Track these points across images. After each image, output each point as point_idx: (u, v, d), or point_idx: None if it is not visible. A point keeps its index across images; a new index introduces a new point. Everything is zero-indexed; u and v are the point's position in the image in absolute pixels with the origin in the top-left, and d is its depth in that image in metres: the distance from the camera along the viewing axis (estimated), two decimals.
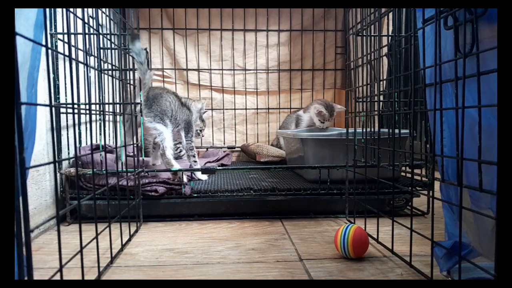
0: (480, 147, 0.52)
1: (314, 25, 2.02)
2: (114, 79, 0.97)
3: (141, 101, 1.14)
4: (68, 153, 1.12)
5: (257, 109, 2.05)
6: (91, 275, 0.72)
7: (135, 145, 1.07)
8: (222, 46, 2.00)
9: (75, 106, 0.99)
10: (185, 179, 1.16)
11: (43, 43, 0.55)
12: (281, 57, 2.04)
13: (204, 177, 1.32)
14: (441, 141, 0.63)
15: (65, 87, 1.13)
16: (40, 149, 1.02)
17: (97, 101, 1.11)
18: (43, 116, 1.02)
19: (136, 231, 1.02)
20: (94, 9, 0.89)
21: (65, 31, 1.05)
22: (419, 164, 1.12)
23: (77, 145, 1.15)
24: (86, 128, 1.21)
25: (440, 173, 0.66)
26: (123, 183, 1.01)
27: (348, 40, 1.96)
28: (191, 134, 1.35)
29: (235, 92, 2.03)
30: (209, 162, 1.62)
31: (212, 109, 2.02)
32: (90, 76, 0.73)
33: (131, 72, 1.16)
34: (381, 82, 0.99)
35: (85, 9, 0.85)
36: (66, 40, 1.07)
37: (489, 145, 0.53)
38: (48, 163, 0.55)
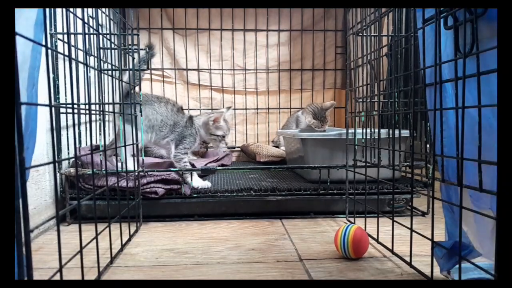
0: (480, 147, 0.52)
1: (314, 25, 2.02)
2: (114, 79, 0.97)
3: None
4: (68, 153, 1.12)
5: (257, 109, 2.05)
6: (91, 275, 0.72)
7: (135, 145, 1.07)
8: (222, 46, 2.00)
9: (75, 106, 0.99)
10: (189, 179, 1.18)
11: (43, 43, 0.55)
12: (281, 57, 2.04)
13: (199, 183, 1.21)
14: (441, 141, 0.63)
15: (65, 87, 1.12)
16: (40, 149, 1.02)
17: (97, 101, 1.11)
18: (43, 116, 1.02)
19: (136, 231, 1.02)
20: (94, 9, 0.89)
21: (65, 31, 1.05)
22: (419, 164, 1.12)
23: (77, 145, 1.15)
24: (86, 128, 1.21)
25: (440, 173, 0.66)
26: (123, 184, 1.01)
27: (348, 40, 1.95)
28: (182, 148, 1.28)
29: (235, 92, 2.03)
30: (209, 162, 1.62)
31: (212, 109, 2.02)
32: (90, 76, 0.73)
33: (131, 72, 1.16)
34: (381, 82, 0.99)
35: (85, 9, 0.85)
36: (65, 40, 1.07)
37: (489, 145, 0.53)
38: (48, 163, 0.55)
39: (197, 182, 1.20)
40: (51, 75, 1.05)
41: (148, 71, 1.84)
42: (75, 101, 0.90)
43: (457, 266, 0.58)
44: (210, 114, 1.31)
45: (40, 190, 1.03)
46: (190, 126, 1.30)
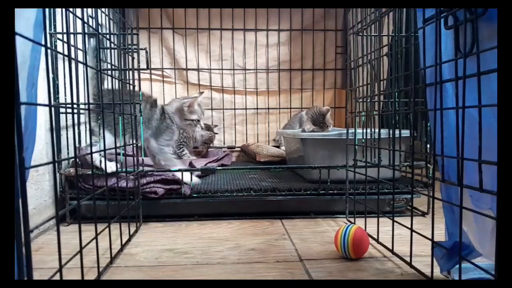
0: (480, 147, 0.52)
1: (314, 25, 2.02)
2: (113, 79, 0.97)
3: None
4: (68, 153, 1.12)
5: (257, 109, 2.05)
6: (91, 275, 0.72)
7: (134, 145, 1.07)
8: (222, 45, 2.00)
9: (75, 106, 0.99)
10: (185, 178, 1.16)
11: (43, 43, 0.55)
12: (281, 57, 2.04)
13: (191, 179, 1.19)
14: (441, 141, 0.63)
15: (65, 87, 1.12)
16: (39, 149, 1.02)
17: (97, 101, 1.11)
18: (42, 116, 1.02)
19: (136, 231, 1.02)
20: (93, 9, 0.89)
21: (65, 30, 1.05)
22: (419, 164, 1.12)
23: (77, 145, 1.15)
24: (86, 128, 1.20)
25: (440, 173, 0.66)
26: (123, 184, 1.01)
27: (348, 39, 1.95)
28: (163, 140, 1.25)
29: (235, 92, 2.03)
30: (209, 162, 1.62)
31: (212, 109, 2.02)
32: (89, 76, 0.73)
33: (130, 72, 1.16)
34: (381, 82, 0.99)
35: (85, 9, 0.85)
36: (65, 40, 1.07)
37: (489, 145, 0.53)
38: (48, 163, 0.55)
39: (187, 177, 1.17)
40: (51, 75, 1.05)
41: (148, 71, 1.84)
42: (75, 101, 0.90)
43: (457, 266, 0.58)
44: (183, 100, 1.27)
45: (40, 190, 1.03)
46: (164, 119, 1.25)
